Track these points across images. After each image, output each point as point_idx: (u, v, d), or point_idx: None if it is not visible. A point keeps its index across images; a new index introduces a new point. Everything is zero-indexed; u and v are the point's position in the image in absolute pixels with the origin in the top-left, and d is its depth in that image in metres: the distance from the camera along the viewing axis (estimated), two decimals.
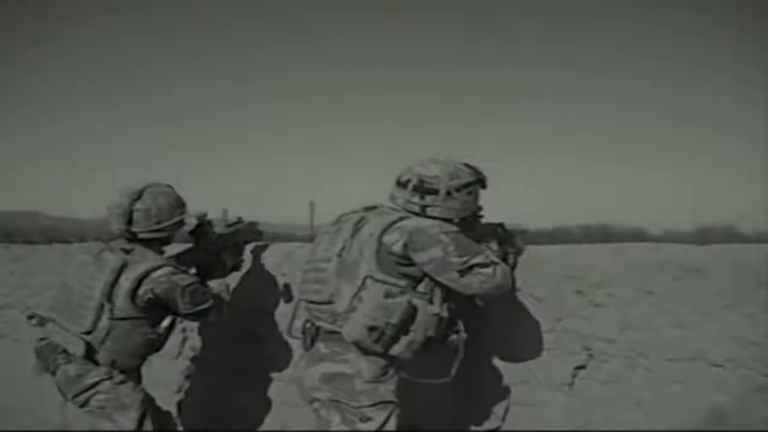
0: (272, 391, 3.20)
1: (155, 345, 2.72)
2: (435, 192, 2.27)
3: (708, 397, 2.31)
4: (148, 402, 2.71)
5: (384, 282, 2.14)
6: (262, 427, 3.20)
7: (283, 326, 3.15)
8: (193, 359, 3.43)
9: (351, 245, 2.22)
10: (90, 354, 2.60)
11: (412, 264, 2.17)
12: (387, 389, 2.21)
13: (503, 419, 2.66)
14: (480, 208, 2.44)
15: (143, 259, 2.64)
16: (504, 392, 2.66)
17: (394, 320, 2.11)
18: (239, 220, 3.13)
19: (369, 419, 2.18)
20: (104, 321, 2.58)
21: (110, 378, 2.62)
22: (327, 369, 2.23)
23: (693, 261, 2.40)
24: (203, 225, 2.89)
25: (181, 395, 3.41)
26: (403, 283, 2.16)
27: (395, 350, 2.15)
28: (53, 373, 2.66)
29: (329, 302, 2.22)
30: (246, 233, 3.14)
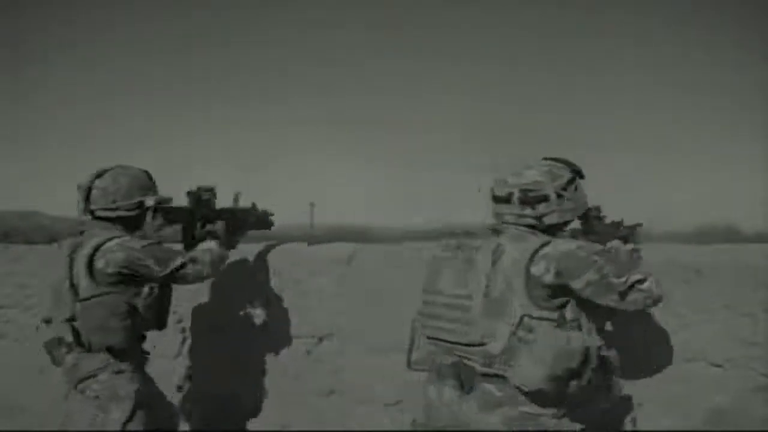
0: (273, 390, 3.21)
1: (139, 320, 2.68)
2: (545, 198, 2.14)
3: (708, 397, 2.31)
4: (145, 396, 2.72)
5: (540, 318, 2.03)
6: (262, 427, 3.21)
7: (282, 326, 3.17)
8: (192, 359, 3.44)
9: (494, 279, 2.08)
10: (78, 338, 2.62)
11: (562, 294, 2.06)
12: (569, 423, 2.10)
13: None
14: (597, 207, 2.35)
15: (93, 236, 2.65)
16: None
17: (574, 365, 2.00)
18: (253, 207, 3.04)
19: None
20: (77, 306, 2.60)
21: (107, 367, 2.62)
22: (510, 413, 2.08)
23: (693, 261, 2.40)
24: (162, 201, 2.80)
25: (180, 395, 3.41)
26: (555, 315, 2.06)
27: (568, 391, 2.04)
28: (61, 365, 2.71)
29: (480, 344, 2.08)
30: (257, 218, 3.03)
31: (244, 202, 3.03)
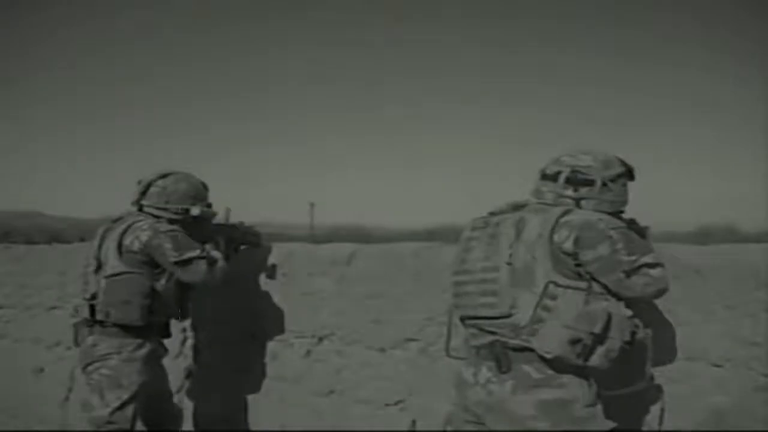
0: (272, 391, 3.21)
1: (159, 302, 2.76)
2: (590, 183, 2.13)
3: (708, 397, 2.31)
4: (146, 390, 2.74)
5: (566, 286, 2.00)
6: (262, 427, 3.21)
7: (282, 326, 3.18)
8: (193, 359, 3.44)
9: (518, 249, 2.06)
10: (93, 315, 2.73)
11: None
12: (602, 413, 2.05)
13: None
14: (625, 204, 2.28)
15: (126, 221, 2.78)
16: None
17: (597, 329, 1.95)
18: (241, 224, 3.18)
19: None
20: (102, 282, 2.73)
21: (120, 353, 2.69)
22: (545, 396, 2.01)
23: (693, 261, 2.40)
24: (205, 213, 2.94)
25: (181, 395, 3.41)
26: (583, 285, 2.02)
27: (594, 361, 1.98)
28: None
29: (508, 315, 2.05)
30: (244, 234, 3.18)
31: (234, 204, 3.15)
